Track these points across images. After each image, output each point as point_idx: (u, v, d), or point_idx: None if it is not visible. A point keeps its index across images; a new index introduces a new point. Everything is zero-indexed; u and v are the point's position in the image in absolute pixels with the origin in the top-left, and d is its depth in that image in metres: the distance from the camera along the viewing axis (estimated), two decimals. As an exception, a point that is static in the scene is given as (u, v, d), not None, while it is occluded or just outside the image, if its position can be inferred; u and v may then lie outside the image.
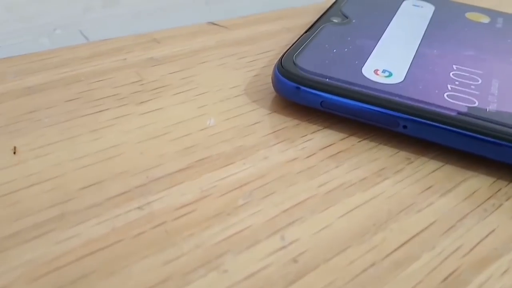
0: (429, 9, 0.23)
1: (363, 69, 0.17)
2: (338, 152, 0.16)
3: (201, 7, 0.25)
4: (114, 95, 0.18)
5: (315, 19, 0.24)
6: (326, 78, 0.17)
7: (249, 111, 0.17)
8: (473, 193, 0.15)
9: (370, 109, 0.16)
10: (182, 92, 0.18)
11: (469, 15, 0.23)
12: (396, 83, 0.17)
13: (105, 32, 0.22)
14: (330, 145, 0.16)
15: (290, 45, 0.19)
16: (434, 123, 0.15)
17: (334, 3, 0.23)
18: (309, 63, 0.17)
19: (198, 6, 0.26)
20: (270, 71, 0.20)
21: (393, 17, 0.21)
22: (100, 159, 0.15)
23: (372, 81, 0.17)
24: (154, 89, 0.18)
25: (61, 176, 0.14)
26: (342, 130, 0.17)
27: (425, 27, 0.21)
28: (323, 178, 0.15)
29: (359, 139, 0.17)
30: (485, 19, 0.22)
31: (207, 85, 0.19)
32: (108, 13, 0.24)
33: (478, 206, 0.14)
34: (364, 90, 0.16)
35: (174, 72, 0.19)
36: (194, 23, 0.23)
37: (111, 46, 0.21)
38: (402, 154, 0.16)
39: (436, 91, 0.17)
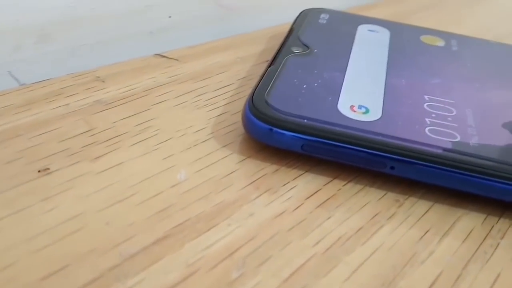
0: (385, 34, 0.22)
1: (338, 106, 0.16)
2: (326, 200, 0.15)
3: (144, 38, 0.23)
4: (63, 150, 0.15)
5: (267, 47, 0.23)
6: (304, 119, 0.15)
7: (221, 159, 0.16)
8: (469, 233, 0.14)
9: (355, 150, 0.15)
10: (141, 141, 0.16)
11: (424, 38, 0.22)
12: (375, 120, 0.16)
13: (39, 72, 0.19)
14: (316, 192, 0.15)
15: (257, 81, 0.18)
16: (422, 163, 0.15)
17: (290, 30, 0.21)
18: (282, 102, 0.16)
19: (142, 36, 0.23)
20: (234, 109, 0.18)
21: (352, 44, 0.21)
22: (60, 236, 0.12)
23: (351, 119, 0.16)
24: (108, 139, 0.16)
25: (14, 265, 0.11)
26: (324, 173, 0.16)
27: (387, 55, 0.20)
28: (317, 233, 0.13)
29: (344, 182, 0.16)
30: (440, 42, 0.22)
31: (168, 130, 0.17)
32: (42, 50, 0.21)
33: (478, 249, 0.14)
34: (347, 131, 0.15)
35: (127, 117, 0.17)
36: (140, 56, 0.21)
37: (48, 89, 0.18)
38: (390, 195, 0.15)
39: (417, 127, 0.16)
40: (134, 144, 0.16)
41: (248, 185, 0.15)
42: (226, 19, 0.25)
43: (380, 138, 0.15)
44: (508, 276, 0.13)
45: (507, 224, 0.15)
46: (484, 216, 0.15)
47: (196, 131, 0.17)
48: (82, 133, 0.16)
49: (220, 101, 0.19)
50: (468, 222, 0.15)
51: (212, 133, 0.17)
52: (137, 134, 0.16)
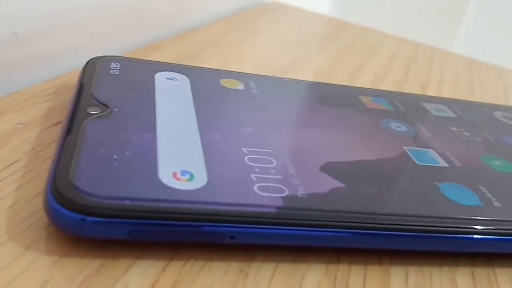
0: (185, 81, 0.21)
1: (160, 176, 0.14)
2: (169, 291, 0.13)
3: None
4: None
5: (52, 106, 0.20)
6: (125, 200, 0.13)
7: (30, 265, 0.12)
8: (317, 289, 0.14)
9: (190, 226, 0.13)
10: None
11: (224, 82, 0.22)
12: (202, 187, 0.14)
13: None
14: (156, 282, 0.13)
15: (55, 157, 0.14)
16: (260, 226, 0.14)
17: (80, 86, 0.19)
18: (93, 182, 0.14)
19: None
20: (29, 194, 0.15)
21: (154, 98, 0.19)
22: None
23: (177, 190, 0.14)
24: None
25: None
26: (157, 256, 0.14)
27: (193, 105, 0.19)
28: None
29: (182, 262, 0.14)
30: (240, 85, 0.22)
31: None
32: None
33: (328, 304, 0.14)
34: (177, 206, 0.13)
35: None
36: None
37: None
38: (234, 266, 0.14)
39: (245, 186, 0.15)
40: None
41: (72, 295, 0.12)
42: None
43: (213, 207, 0.14)
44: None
45: (347, 270, 0.15)
46: (324, 266, 0.15)
47: (-17, 236, 0.13)
48: None
49: (7, 186, 0.15)
50: (314, 277, 0.14)
51: (7, 232, 0.13)
52: None
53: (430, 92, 0.31)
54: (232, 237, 0.14)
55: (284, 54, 0.32)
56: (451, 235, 0.15)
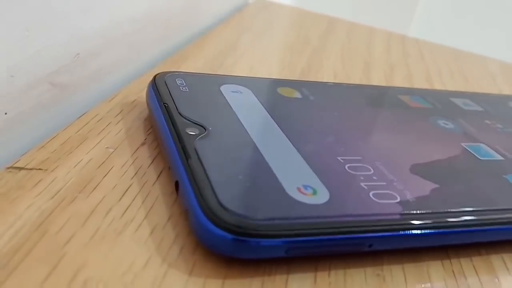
0: (249, 93, 0.22)
1: (289, 192, 0.15)
2: (332, 302, 0.14)
3: None
4: None
5: (128, 127, 0.20)
6: (275, 220, 0.14)
7: (204, 295, 0.13)
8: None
9: (341, 239, 0.14)
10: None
11: (281, 90, 0.23)
12: (329, 200, 0.15)
13: None
14: (317, 296, 0.14)
15: (187, 179, 0.15)
16: (393, 234, 0.15)
17: (166, 107, 0.19)
18: (240, 204, 0.14)
19: None
20: (161, 222, 0.15)
21: (235, 113, 0.19)
22: None
23: (312, 205, 0.15)
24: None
25: None
26: (303, 269, 0.15)
27: (270, 118, 0.20)
28: None
29: (326, 273, 0.15)
30: (296, 93, 0.23)
31: (110, 280, 0.13)
32: None
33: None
34: (328, 220, 0.14)
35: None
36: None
37: None
38: (369, 272, 0.15)
39: (363, 196, 0.16)
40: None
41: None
42: (62, 101, 0.20)
43: (355, 219, 0.15)
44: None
45: (458, 264, 0.16)
46: (439, 262, 0.16)
47: (144, 266, 0.13)
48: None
49: (136, 214, 0.15)
50: (436, 273, 0.16)
51: (164, 261, 0.14)
52: (80, 300, 0.12)
53: (437, 85, 0.33)
54: (370, 245, 0.15)
55: (296, 55, 0.33)
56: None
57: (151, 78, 0.21)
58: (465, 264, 0.17)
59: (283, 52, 0.33)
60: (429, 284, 0.15)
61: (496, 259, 0.17)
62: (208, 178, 0.15)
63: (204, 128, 0.18)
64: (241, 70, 0.28)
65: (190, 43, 0.31)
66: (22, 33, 0.17)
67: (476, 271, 0.16)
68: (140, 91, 0.23)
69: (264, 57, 0.31)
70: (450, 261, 0.16)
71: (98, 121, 0.20)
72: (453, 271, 0.16)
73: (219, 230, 0.13)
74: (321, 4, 0.59)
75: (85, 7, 0.20)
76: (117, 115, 0.21)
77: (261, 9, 0.43)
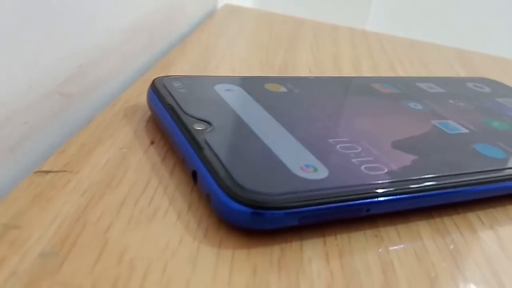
0: (240, 90, 0.24)
1: (294, 171, 0.17)
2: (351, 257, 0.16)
3: (5, 156, 0.18)
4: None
5: (135, 128, 0.21)
6: (287, 194, 0.16)
7: (232, 258, 0.15)
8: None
9: (342, 206, 0.17)
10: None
11: (268, 86, 0.25)
12: (328, 175, 0.18)
13: None
14: (327, 255, 0.16)
15: (206, 167, 0.17)
16: (387, 199, 0.18)
17: (171, 108, 0.20)
18: (256, 183, 0.16)
19: (1, 156, 0.18)
20: (184, 207, 0.17)
21: (232, 108, 0.22)
22: None
23: (315, 180, 0.17)
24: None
25: None
26: (313, 235, 0.17)
27: (264, 110, 0.22)
28: None
29: (333, 237, 0.17)
30: (282, 88, 0.25)
31: (151, 258, 0.15)
32: None
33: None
34: (330, 191, 0.17)
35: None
36: (9, 183, 0.17)
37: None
38: (368, 234, 0.18)
39: (356, 169, 0.18)
40: None
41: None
42: (70, 109, 0.22)
43: (354, 189, 0.17)
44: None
45: (441, 223, 0.19)
46: (426, 222, 0.19)
47: (179, 244, 0.15)
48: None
49: (162, 203, 0.17)
50: (426, 231, 0.18)
51: (194, 239, 0.16)
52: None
53: (401, 73, 0.36)
54: (367, 210, 0.17)
55: (271, 54, 0.35)
56: (508, 182, 0.20)
57: (145, 84, 0.23)
58: (447, 222, 0.19)
59: (259, 52, 0.36)
60: (420, 242, 0.18)
61: (472, 216, 0.20)
62: (223, 164, 0.17)
63: (209, 123, 0.20)
64: (225, 71, 0.30)
65: (172, 49, 0.32)
66: (36, 47, 0.19)
67: (457, 227, 0.19)
68: (138, 96, 0.24)
69: (243, 57, 0.34)
70: (435, 220, 0.19)
71: (106, 126, 0.21)
72: (438, 229, 0.19)
73: (240, 206, 0.15)
74: (281, 5, 0.62)
75: (86, 20, 0.22)
76: (122, 119, 0.22)
77: (230, 13, 0.45)
